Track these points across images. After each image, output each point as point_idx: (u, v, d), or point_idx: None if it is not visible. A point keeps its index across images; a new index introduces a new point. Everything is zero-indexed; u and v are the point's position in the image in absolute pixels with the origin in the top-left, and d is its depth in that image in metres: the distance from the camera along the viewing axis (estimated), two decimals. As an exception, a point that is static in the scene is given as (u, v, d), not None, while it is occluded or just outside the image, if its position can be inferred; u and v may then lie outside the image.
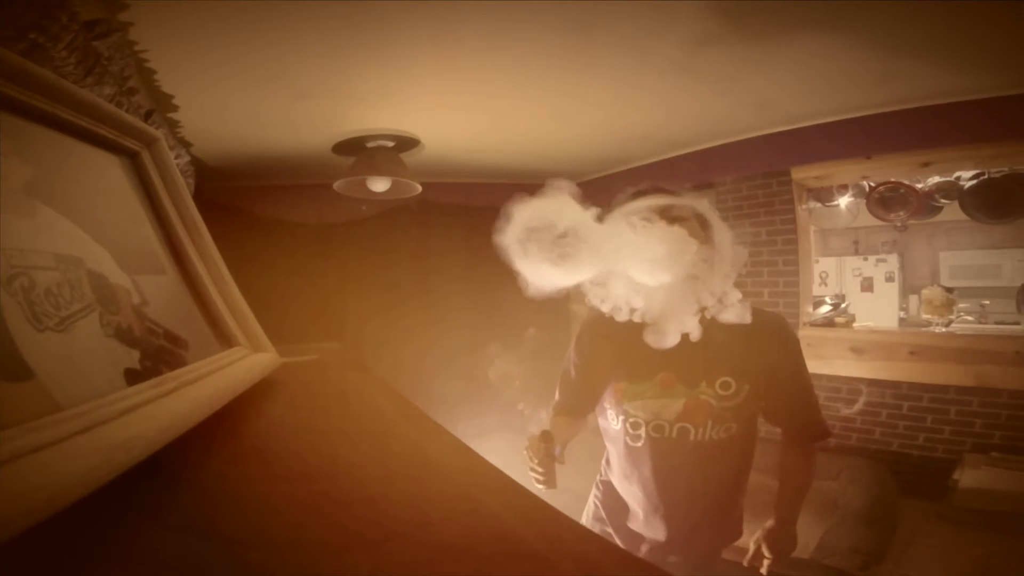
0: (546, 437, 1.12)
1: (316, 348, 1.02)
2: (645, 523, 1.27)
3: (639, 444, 1.22)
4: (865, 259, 4.86)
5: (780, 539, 1.25)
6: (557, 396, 1.33)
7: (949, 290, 3.52)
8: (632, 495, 1.29)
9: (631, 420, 1.21)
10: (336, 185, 2.76)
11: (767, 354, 1.18)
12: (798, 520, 1.27)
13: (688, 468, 1.19)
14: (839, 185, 3.48)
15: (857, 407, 2.69)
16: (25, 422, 0.28)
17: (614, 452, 1.30)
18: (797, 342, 1.25)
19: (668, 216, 1.08)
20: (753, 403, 1.19)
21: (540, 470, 1.10)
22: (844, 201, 3.68)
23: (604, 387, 1.26)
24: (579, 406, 1.31)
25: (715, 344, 1.09)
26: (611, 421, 1.27)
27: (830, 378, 2.81)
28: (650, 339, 1.07)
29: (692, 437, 1.17)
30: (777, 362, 1.19)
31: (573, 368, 1.30)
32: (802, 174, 2.95)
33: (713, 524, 1.27)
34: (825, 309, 3.31)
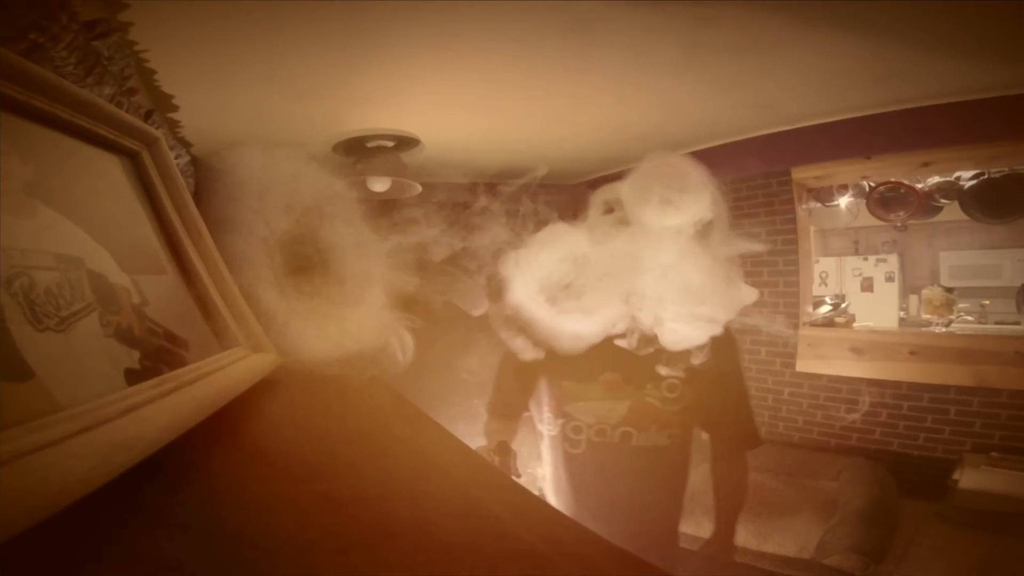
0: (502, 448, 1.06)
1: (316, 348, 1.01)
2: None
3: (579, 451, 1.15)
4: (865, 259, 4.85)
5: (721, 550, 1.24)
6: (492, 394, 1.25)
7: (949, 290, 3.51)
8: (568, 505, 1.20)
9: (572, 424, 1.15)
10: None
11: (711, 357, 1.11)
12: (735, 529, 1.25)
13: (629, 476, 1.13)
14: (839, 185, 3.47)
15: (857, 415, 2.69)
16: (25, 422, 0.28)
17: (550, 459, 1.23)
18: (739, 347, 1.21)
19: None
20: (695, 408, 1.15)
21: None
22: (844, 201, 3.68)
23: (543, 385, 1.19)
24: (516, 406, 1.24)
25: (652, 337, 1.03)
26: (548, 425, 1.20)
27: (830, 378, 2.81)
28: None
29: (635, 442, 1.12)
30: (720, 366, 1.14)
31: (513, 362, 1.21)
32: (802, 174, 2.95)
33: (653, 536, 1.20)
34: (825, 309, 3.31)
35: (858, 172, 2.95)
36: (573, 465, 1.17)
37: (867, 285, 4.71)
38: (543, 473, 1.31)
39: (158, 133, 0.62)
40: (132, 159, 0.59)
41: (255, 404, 0.59)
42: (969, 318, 3.56)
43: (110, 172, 0.55)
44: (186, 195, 0.63)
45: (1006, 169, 3.07)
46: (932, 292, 3.48)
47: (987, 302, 3.83)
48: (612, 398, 1.11)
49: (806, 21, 1.60)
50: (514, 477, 1.07)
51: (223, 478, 0.42)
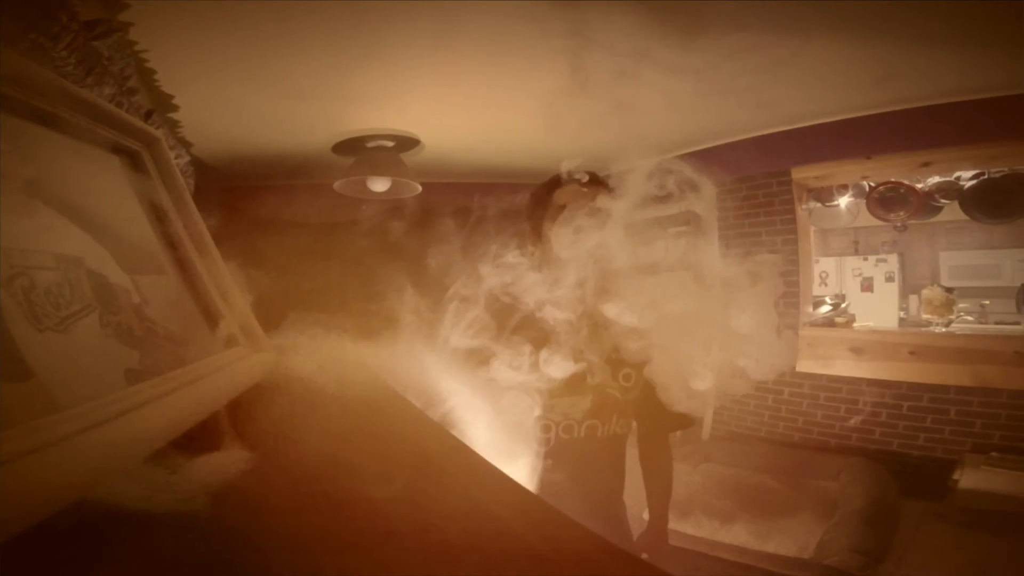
0: None
1: (316, 348, 1.01)
2: None
3: (548, 449, 1.13)
4: (865, 259, 4.84)
5: (657, 538, 1.25)
6: None
7: (949, 290, 3.51)
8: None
9: (541, 423, 1.12)
10: (336, 185, 2.76)
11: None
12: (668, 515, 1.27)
13: (597, 469, 1.13)
14: (839, 185, 3.47)
15: (857, 419, 2.69)
16: (25, 422, 0.28)
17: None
18: None
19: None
20: (642, 395, 1.15)
21: None
22: (844, 201, 3.67)
23: None
24: None
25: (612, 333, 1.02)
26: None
27: (830, 378, 2.81)
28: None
29: (599, 434, 1.13)
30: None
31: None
32: (802, 174, 2.95)
33: (615, 527, 1.20)
34: (825, 309, 3.31)
35: (858, 172, 2.95)
36: (543, 464, 1.15)
37: (867, 285, 4.71)
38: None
39: (158, 133, 0.62)
40: (132, 159, 0.59)
41: (255, 404, 0.59)
42: (969, 318, 3.56)
43: (110, 172, 0.55)
44: (186, 195, 0.63)
45: (1006, 169, 3.06)
46: (932, 292, 3.47)
47: (987, 302, 3.83)
48: (575, 393, 1.11)
49: (806, 23, 1.60)
50: None
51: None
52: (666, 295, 0.94)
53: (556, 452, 1.13)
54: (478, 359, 0.98)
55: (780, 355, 0.91)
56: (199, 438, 0.43)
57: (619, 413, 1.14)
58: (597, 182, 1.09)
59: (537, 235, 1.12)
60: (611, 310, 0.96)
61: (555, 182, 1.14)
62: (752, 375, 0.89)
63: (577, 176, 1.09)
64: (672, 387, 0.97)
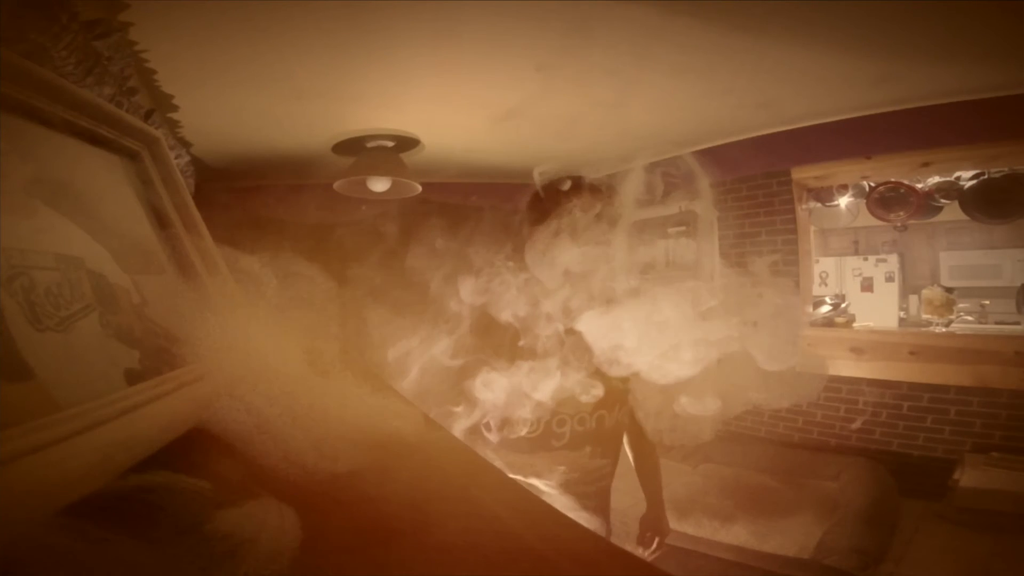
0: None
1: (316, 348, 1.01)
2: None
3: (563, 442, 1.15)
4: (865, 259, 4.84)
5: (659, 521, 1.31)
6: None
7: (949, 290, 3.51)
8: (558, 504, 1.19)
9: (557, 418, 1.13)
10: (336, 185, 2.76)
11: None
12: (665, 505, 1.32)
13: (607, 459, 1.16)
14: (839, 185, 3.48)
15: (858, 423, 2.69)
16: (25, 422, 0.28)
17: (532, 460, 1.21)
18: None
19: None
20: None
21: None
22: (844, 201, 3.68)
23: None
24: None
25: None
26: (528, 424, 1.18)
27: (830, 378, 2.81)
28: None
29: (607, 423, 1.16)
30: None
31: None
32: (802, 174, 2.95)
33: (602, 516, 1.21)
34: (825, 309, 3.31)
35: (858, 172, 2.95)
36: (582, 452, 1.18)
37: (867, 285, 4.71)
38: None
39: (158, 133, 0.62)
40: (132, 159, 0.59)
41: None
42: (969, 318, 3.56)
43: (110, 172, 0.55)
44: (186, 195, 0.63)
45: (1006, 169, 3.07)
46: (932, 292, 3.48)
47: (987, 302, 3.83)
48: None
49: (806, 23, 1.60)
50: None
51: (223, 479, 0.42)
52: (662, 309, 0.94)
53: (573, 445, 1.15)
54: (479, 365, 0.99)
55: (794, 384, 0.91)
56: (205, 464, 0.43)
57: (620, 402, 1.17)
58: (593, 188, 1.10)
59: (535, 242, 1.12)
60: (597, 324, 0.96)
61: (551, 189, 1.14)
62: (769, 403, 0.89)
63: (563, 187, 1.10)
64: (656, 408, 0.98)
